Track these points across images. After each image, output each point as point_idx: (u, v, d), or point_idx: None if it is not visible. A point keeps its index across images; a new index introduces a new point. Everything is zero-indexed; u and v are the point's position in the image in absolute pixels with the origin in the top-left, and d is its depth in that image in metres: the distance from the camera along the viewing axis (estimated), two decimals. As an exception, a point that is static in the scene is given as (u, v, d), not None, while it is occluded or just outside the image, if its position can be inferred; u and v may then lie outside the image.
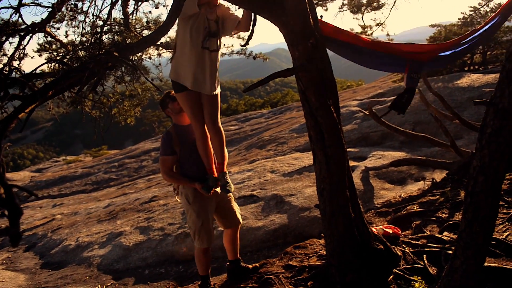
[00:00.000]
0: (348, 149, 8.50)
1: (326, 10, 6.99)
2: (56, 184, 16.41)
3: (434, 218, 4.73)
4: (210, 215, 3.99)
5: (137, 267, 5.71)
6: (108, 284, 5.30)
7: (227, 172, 3.93)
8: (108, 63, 3.14)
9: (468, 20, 13.90)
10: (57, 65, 4.11)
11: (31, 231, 9.26)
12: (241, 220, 4.23)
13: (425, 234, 4.29)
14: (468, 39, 4.32)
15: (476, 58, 17.18)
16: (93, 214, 9.21)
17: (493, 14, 4.37)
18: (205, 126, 3.81)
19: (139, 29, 5.62)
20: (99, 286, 5.27)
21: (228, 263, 4.41)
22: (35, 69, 3.78)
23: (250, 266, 4.37)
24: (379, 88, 16.30)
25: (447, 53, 4.23)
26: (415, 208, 5.16)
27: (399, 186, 6.58)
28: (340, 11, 6.81)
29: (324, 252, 4.15)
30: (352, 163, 7.60)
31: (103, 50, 3.78)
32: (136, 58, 5.59)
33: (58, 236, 8.06)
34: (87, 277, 5.65)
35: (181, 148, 3.92)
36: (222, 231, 4.35)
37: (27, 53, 5.13)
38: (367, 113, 7.24)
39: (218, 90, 3.80)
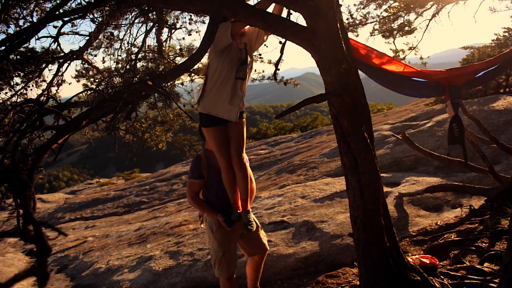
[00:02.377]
0: (380, 175, 8.34)
1: (357, 35, 6.97)
2: (89, 206, 16.66)
3: (474, 248, 4.52)
4: (233, 245, 3.93)
5: (166, 292, 5.66)
6: (137, 310, 5.26)
7: (250, 210, 3.86)
8: (142, 92, 3.18)
9: (502, 41, 13.57)
10: (91, 93, 4.21)
11: (63, 252, 9.38)
12: (268, 247, 4.16)
13: (465, 265, 4.10)
14: (503, 60, 4.20)
15: (512, 80, 16.72)
16: (124, 237, 9.26)
17: None
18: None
19: (172, 56, 5.72)
20: (128, 311, 5.24)
21: None
22: (71, 98, 3.88)
23: None
24: (411, 111, 16.02)
25: (481, 74, 4.13)
26: (452, 237, 4.96)
27: (435, 213, 6.35)
28: (371, 35, 6.75)
29: (358, 282, 4.02)
30: (385, 189, 7.38)
31: (137, 79, 3.84)
32: (169, 84, 5.68)
33: (89, 258, 8.12)
34: (117, 302, 5.63)
35: (208, 173, 3.90)
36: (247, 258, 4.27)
37: (65, 80, 5.29)
38: (400, 137, 7.09)
39: (244, 116, 3.85)
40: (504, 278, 2.31)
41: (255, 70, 6.28)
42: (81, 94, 4.59)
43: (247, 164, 3.91)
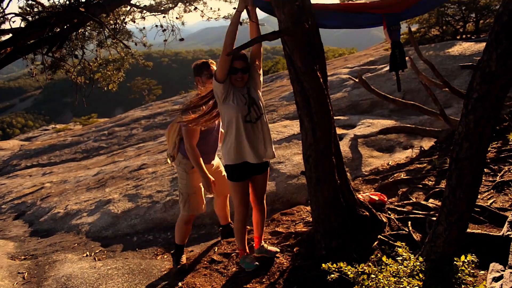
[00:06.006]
0: (337, 117, 8.50)
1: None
2: (46, 152, 16.26)
3: (421, 186, 4.76)
4: (201, 190, 4.16)
5: (126, 234, 5.73)
6: (97, 251, 5.31)
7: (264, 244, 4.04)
8: (73, 19, 2.98)
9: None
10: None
11: (20, 199, 9.22)
12: None
13: (411, 201, 4.33)
14: None
15: (469, 27, 17.01)
16: (82, 182, 9.17)
17: None
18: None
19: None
20: (87, 253, 5.28)
21: (221, 228, 4.71)
22: None
23: None
24: (371, 56, 16.15)
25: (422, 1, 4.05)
26: (402, 176, 5.19)
27: (387, 154, 6.59)
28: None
29: (311, 219, 4.18)
30: (341, 131, 7.58)
31: (66, 4, 3.55)
32: (119, 21, 5.42)
33: (47, 204, 8.04)
34: (76, 244, 5.66)
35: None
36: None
37: (8, 17, 4.95)
38: (357, 80, 7.18)
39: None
40: (443, 210, 2.45)
41: (211, 8, 6.07)
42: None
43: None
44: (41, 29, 2.56)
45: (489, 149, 5.22)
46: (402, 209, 4.09)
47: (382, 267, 2.64)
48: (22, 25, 3.93)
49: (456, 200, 2.30)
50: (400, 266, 2.59)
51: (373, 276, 2.55)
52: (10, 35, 3.78)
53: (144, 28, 6.06)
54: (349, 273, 2.63)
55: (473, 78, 2.04)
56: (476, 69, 2.01)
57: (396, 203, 4.33)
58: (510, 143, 5.20)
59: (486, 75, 1.95)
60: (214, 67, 3.90)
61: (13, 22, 5.29)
